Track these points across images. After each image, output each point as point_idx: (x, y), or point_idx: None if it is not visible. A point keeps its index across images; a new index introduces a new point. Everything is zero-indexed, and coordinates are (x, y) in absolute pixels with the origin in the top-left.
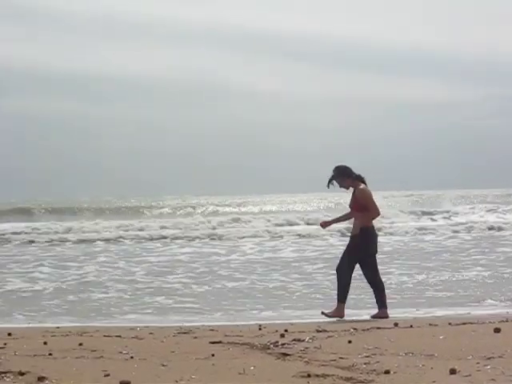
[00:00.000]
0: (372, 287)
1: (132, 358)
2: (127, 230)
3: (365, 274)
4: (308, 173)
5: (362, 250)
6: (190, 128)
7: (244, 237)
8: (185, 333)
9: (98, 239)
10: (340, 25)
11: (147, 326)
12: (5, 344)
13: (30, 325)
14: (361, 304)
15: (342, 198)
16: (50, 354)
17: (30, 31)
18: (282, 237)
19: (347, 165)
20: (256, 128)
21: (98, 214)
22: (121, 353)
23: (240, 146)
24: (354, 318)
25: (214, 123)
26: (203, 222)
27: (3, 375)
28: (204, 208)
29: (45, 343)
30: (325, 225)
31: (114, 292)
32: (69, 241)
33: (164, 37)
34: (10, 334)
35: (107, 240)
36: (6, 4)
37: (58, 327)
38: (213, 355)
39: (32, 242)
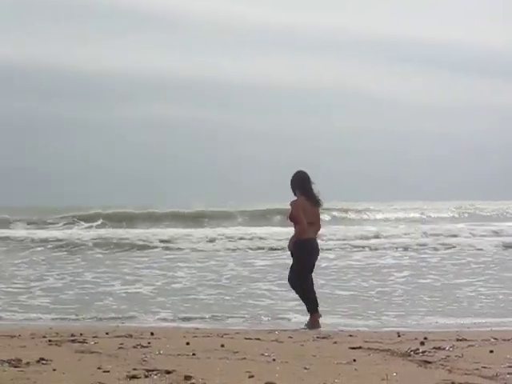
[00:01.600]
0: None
1: (274, 360)
2: None
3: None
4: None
5: (299, 261)
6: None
7: None
8: (324, 337)
9: None
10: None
11: (285, 330)
12: (149, 343)
13: (170, 324)
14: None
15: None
16: (194, 354)
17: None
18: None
19: (302, 171)
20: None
21: None
22: (262, 355)
23: (365, 154)
24: (494, 329)
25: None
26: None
27: (150, 373)
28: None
29: (187, 343)
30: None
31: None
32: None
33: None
34: (152, 334)
35: None
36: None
37: (197, 328)
38: (354, 360)
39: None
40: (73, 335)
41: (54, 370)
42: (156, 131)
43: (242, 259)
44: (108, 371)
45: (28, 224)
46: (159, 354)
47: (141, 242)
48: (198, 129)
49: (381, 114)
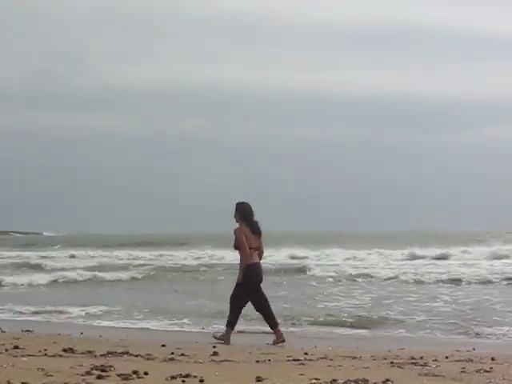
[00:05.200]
0: (261, 314)
1: None
2: None
3: (253, 304)
4: None
5: (246, 287)
6: None
7: None
8: None
9: None
10: None
11: None
12: (491, 368)
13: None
14: None
15: None
16: None
17: None
18: None
19: (245, 202)
20: None
21: None
22: None
23: None
24: None
25: None
26: None
27: None
28: None
29: None
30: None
31: None
32: None
33: None
34: (493, 359)
35: None
36: None
37: None
38: None
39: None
40: (413, 358)
41: None
42: None
43: None
44: None
45: None
46: (503, 379)
47: None
48: None
49: None
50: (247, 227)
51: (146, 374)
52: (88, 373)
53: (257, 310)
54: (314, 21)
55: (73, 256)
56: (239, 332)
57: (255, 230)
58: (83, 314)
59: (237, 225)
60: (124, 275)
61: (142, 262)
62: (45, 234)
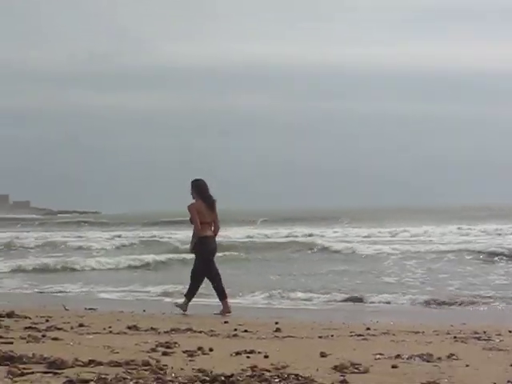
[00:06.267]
0: (211, 282)
1: None
2: None
3: (206, 275)
4: None
5: (198, 259)
6: None
7: None
8: None
9: None
10: None
11: None
12: None
13: None
14: None
15: None
16: None
17: None
18: None
19: (199, 179)
20: None
21: None
22: None
23: None
24: None
25: None
26: None
27: None
28: None
29: None
30: (192, 249)
31: None
32: None
33: None
34: None
35: None
36: None
37: None
38: None
39: None
40: (476, 332)
41: (467, 365)
42: None
43: None
44: None
45: None
46: None
47: None
48: None
49: None
50: (203, 202)
51: (210, 350)
52: (153, 350)
53: (208, 278)
54: None
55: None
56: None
57: (209, 204)
58: (159, 291)
59: (193, 201)
60: None
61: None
62: (103, 212)
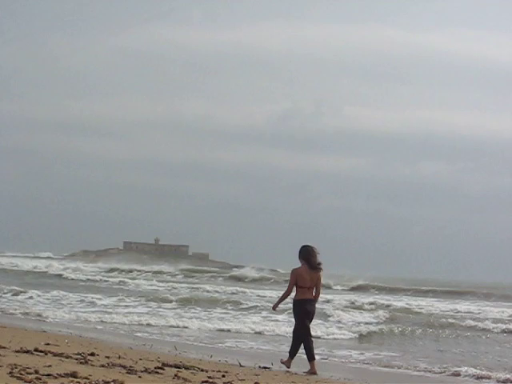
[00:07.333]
0: (303, 342)
1: None
2: None
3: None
4: None
5: (295, 316)
6: None
7: None
8: None
9: None
10: None
11: None
12: None
13: None
14: None
15: None
16: None
17: None
18: None
19: (307, 245)
20: None
21: None
22: None
23: None
24: None
25: None
26: None
27: None
28: None
29: None
30: (275, 307)
31: None
32: None
33: None
34: None
35: None
36: None
37: None
38: None
39: None
40: None
41: None
42: None
43: None
44: None
45: None
46: None
47: None
48: None
49: None
50: (307, 267)
51: None
52: None
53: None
54: None
55: None
56: None
57: (313, 269)
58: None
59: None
60: None
61: None
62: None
